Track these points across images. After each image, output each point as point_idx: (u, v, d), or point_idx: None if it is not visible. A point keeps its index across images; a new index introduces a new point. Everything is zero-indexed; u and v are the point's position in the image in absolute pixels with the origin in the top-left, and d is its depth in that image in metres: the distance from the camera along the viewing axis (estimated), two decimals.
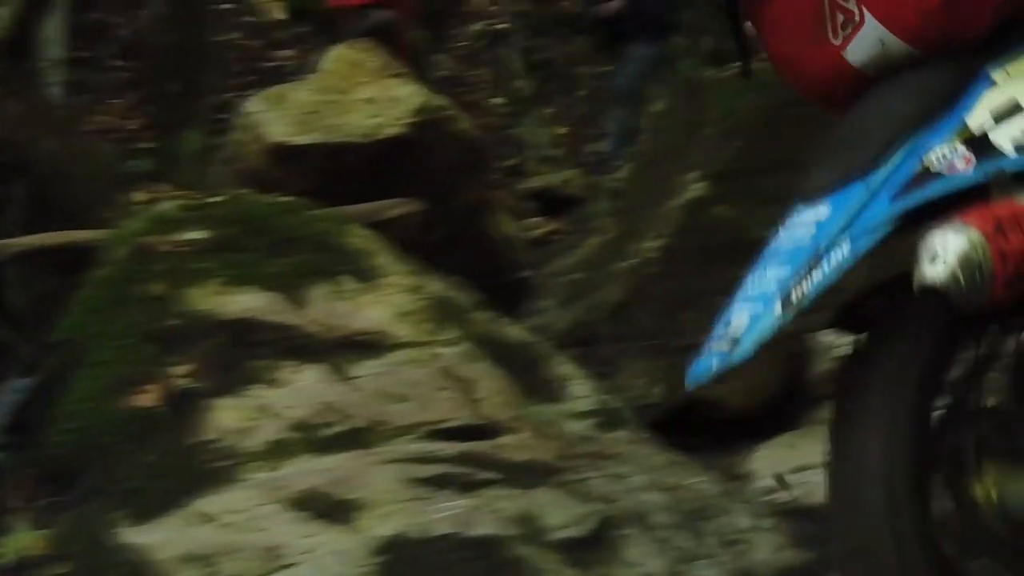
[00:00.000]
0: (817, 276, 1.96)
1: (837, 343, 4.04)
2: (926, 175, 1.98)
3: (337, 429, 2.76)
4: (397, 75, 4.52)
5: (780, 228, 2.08)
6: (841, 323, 4.01)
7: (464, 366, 3.01)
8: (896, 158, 2.01)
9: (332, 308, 3.06)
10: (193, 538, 2.50)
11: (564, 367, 3.44)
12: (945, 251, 1.87)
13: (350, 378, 2.89)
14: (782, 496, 3.72)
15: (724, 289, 4.02)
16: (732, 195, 4.11)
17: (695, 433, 4.09)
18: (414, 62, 6.04)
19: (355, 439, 2.74)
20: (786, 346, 4.07)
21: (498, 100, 10.12)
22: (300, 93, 4.85)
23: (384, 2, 6.00)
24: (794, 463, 3.81)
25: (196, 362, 2.86)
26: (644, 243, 4.17)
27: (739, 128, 4.18)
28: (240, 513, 2.57)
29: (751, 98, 4.18)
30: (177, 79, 7.97)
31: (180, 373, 2.85)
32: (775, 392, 4.11)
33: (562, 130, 9.76)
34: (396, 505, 2.56)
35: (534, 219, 7.13)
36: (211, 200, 3.39)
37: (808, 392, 4.08)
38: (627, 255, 4.23)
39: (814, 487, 3.66)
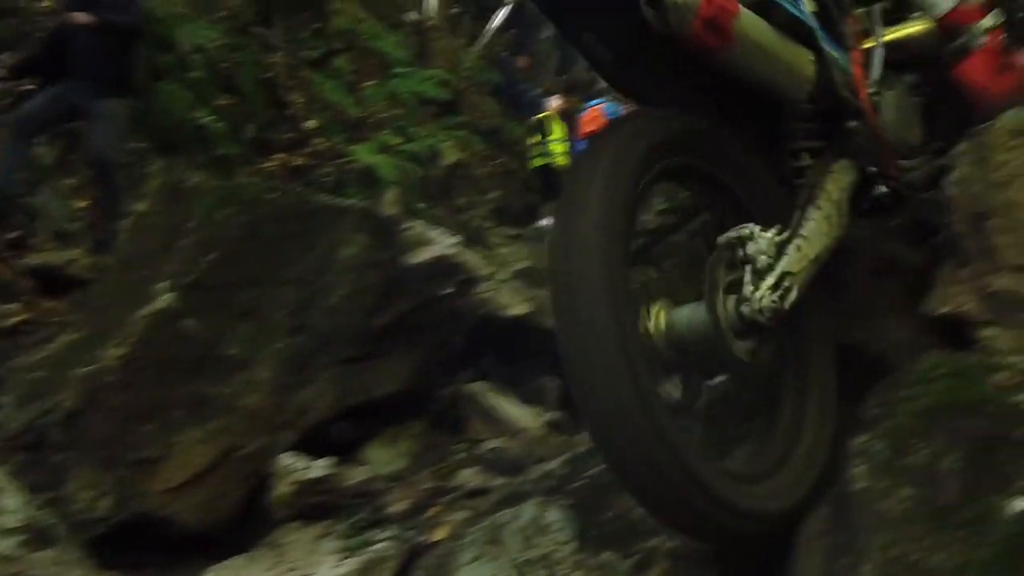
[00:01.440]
0: None
1: (297, 466, 4.03)
2: None
3: None
4: None
5: None
6: (304, 447, 4.04)
7: None
8: None
9: None
10: None
11: None
12: None
13: None
14: None
15: (184, 404, 3.93)
16: (202, 308, 4.01)
17: (149, 549, 3.93)
18: None
19: None
20: (246, 466, 4.01)
21: None
22: None
23: None
24: None
25: None
26: (107, 349, 3.99)
27: (216, 240, 4.09)
28: None
29: (232, 211, 4.12)
30: None
31: None
32: (232, 512, 4.02)
33: (83, 203, 9.15)
34: None
35: (11, 305, 6.65)
36: None
37: (266, 514, 4.02)
38: (90, 359, 4.03)
39: None
